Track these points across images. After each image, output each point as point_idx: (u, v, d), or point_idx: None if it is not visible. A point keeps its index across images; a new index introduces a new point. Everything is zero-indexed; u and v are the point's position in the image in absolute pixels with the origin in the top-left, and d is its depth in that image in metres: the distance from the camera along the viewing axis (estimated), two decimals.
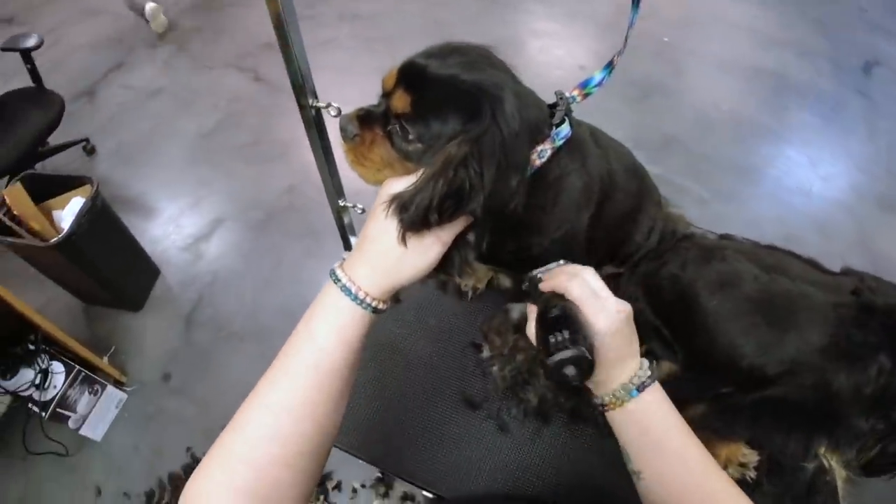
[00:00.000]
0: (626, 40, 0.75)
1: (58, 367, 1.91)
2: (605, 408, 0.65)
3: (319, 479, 0.65)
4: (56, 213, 2.05)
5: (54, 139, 2.65)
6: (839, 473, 0.96)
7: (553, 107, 0.70)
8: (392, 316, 1.12)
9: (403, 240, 0.60)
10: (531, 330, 0.66)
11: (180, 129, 3.04)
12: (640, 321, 0.76)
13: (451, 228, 0.62)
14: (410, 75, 0.65)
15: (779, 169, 3.04)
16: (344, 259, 0.65)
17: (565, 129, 0.69)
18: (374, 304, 0.61)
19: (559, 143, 0.69)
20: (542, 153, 0.67)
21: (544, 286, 0.67)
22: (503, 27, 3.69)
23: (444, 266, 0.65)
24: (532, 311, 0.68)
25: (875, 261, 2.56)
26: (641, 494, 0.67)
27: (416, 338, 1.10)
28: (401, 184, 0.62)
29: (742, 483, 0.94)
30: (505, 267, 0.94)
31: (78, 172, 2.77)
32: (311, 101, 0.91)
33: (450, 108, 0.62)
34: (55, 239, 1.86)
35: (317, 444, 0.59)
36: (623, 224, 0.93)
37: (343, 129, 0.71)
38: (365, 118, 0.69)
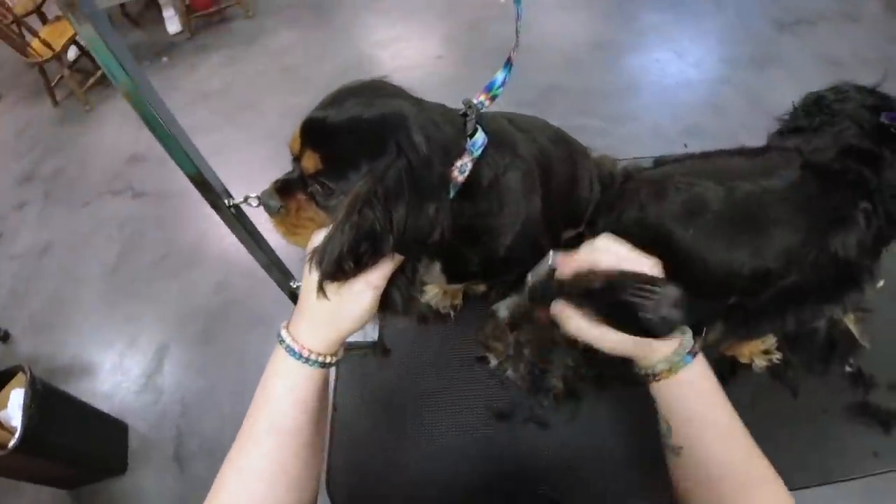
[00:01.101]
0: (517, 33, 0.76)
1: None
2: (656, 377, 0.63)
3: None
4: (2, 414, 1.90)
5: None
6: (848, 318, 1.02)
7: (465, 116, 0.70)
8: (385, 367, 1.10)
9: (322, 291, 0.59)
10: (579, 323, 0.62)
11: (84, 275, 2.87)
12: None
13: (379, 271, 0.61)
14: (313, 132, 0.65)
15: (654, 74, 3.21)
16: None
17: (480, 138, 0.69)
18: (319, 359, 0.61)
19: (477, 153, 0.69)
20: (462, 168, 0.67)
21: (564, 271, 0.65)
22: (349, 50, 3.70)
23: (388, 305, 0.64)
24: (564, 308, 0.64)
25: (770, 115, 2.71)
26: (675, 472, 0.66)
27: (419, 378, 1.08)
28: (321, 236, 0.61)
29: (772, 367, 1.00)
30: (479, 279, 0.95)
31: (2, 364, 2.59)
32: (227, 201, 0.88)
33: (358, 151, 0.62)
34: (12, 442, 1.72)
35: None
36: (570, 190, 0.96)
37: (266, 206, 0.70)
38: (283, 188, 0.69)
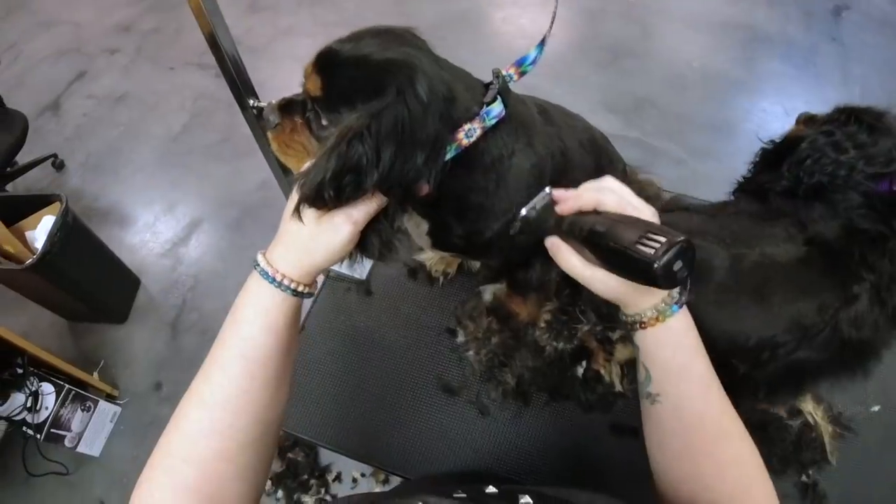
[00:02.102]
0: (552, 21, 0.73)
1: (47, 388, 1.90)
2: (643, 325, 0.60)
3: (269, 471, 0.62)
4: (29, 234, 2.03)
5: (22, 157, 2.62)
6: (825, 429, 0.97)
7: (488, 85, 0.69)
8: (363, 307, 1.13)
9: (298, 214, 0.58)
10: (572, 261, 0.60)
11: (148, 133, 3.00)
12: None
13: (363, 207, 0.59)
14: (325, 60, 0.64)
15: (754, 122, 3.03)
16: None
17: (497, 108, 0.67)
18: (292, 286, 0.60)
19: (490, 122, 0.67)
20: (469, 132, 0.65)
21: (564, 209, 0.62)
22: (467, 2, 3.63)
23: (364, 247, 0.63)
24: (559, 244, 0.62)
25: None
26: (648, 422, 0.64)
27: (389, 327, 1.10)
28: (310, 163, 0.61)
29: None
30: (461, 253, 0.94)
31: (49, 189, 2.75)
32: (252, 101, 0.90)
33: (357, 89, 0.62)
34: (30, 260, 1.84)
35: (258, 435, 0.58)
36: None
37: (266, 119, 0.71)
38: (286, 107, 0.69)
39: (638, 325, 0.61)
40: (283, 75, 3.13)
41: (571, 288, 0.99)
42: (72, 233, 1.98)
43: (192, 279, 2.46)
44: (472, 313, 1.03)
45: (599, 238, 0.56)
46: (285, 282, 0.59)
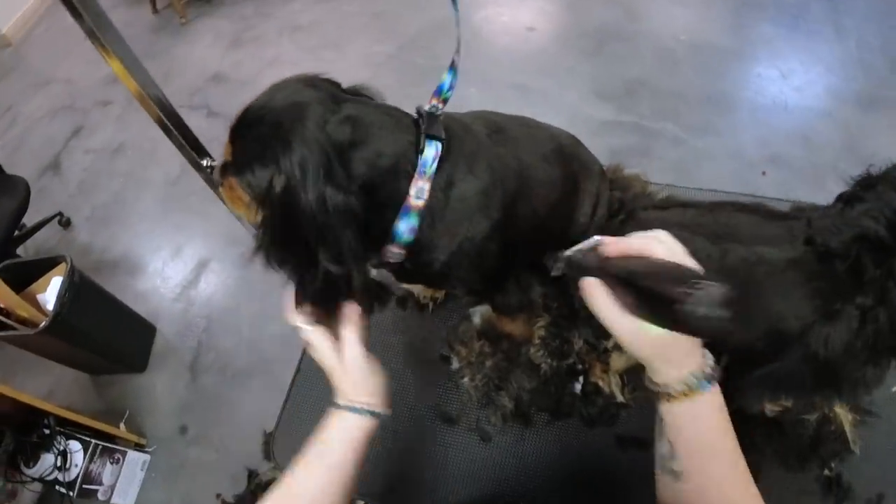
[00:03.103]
0: (458, 41, 0.73)
1: (75, 445, 1.94)
2: (669, 397, 0.58)
3: None
4: (40, 297, 2.07)
5: (29, 218, 2.67)
6: (844, 418, 0.92)
7: (417, 125, 0.69)
8: None
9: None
10: (604, 303, 0.57)
11: (148, 180, 3.04)
12: None
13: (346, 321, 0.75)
14: (235, 123, 0.67)
15: (751, 90, 2.97)
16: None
17: (430, 153, 0.67)
18: (367, 407, 0.71)
19: (431, 170, 0.67)
20: (419, 193, 0.66)
21: (610, 250, 0.59)
22: (444, 5, 3.61)
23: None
24: (594, 284, 0.58)
25: (865, 162, 2.47)
26: (666, 494, 0.62)
27: (383, 360, 1.06)
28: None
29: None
30: (425, 282, 0.94)
31: (57, 247, 2.81)
32: (206, 161, 0.91)
33: (246, 153, 0.64)
34: (43, 323, 1.87)
35: None
36: (557, 214, 0.89)
37: (215, 179, 0.75)
38: (224, 168, 0.71)
39: (666, 397, 0.58)
40: None
41: (561, 301, 0.98)
42: (80, 291, 2.01)
43: (206, 320, 2.49)
44: (463, 337, 1.02)
45: (639, 278, 0.54)
46: (360, 405, 0.71)
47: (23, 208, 2.47)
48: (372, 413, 0.71)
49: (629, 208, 0.94)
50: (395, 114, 0.70)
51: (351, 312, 0.74)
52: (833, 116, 2.79)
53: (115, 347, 2.25)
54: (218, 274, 2.63)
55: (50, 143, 3.35)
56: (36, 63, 3.99)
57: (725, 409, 0.59)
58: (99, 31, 0.75)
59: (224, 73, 3.44)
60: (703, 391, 0.57)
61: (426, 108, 0.70)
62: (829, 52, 3.05)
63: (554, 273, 0.65)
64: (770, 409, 0.91)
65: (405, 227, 0.69)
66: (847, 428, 0.92)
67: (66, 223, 2.88)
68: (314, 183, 0.60)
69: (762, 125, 2.81)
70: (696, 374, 0.57)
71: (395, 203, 0.67)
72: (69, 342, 2.01)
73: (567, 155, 0.90)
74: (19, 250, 2.68)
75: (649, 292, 0.52)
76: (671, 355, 0.57)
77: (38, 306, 2.03)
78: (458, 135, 0.71)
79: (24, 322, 1.96)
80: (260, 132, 0.63)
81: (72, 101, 3.56)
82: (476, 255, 0.75)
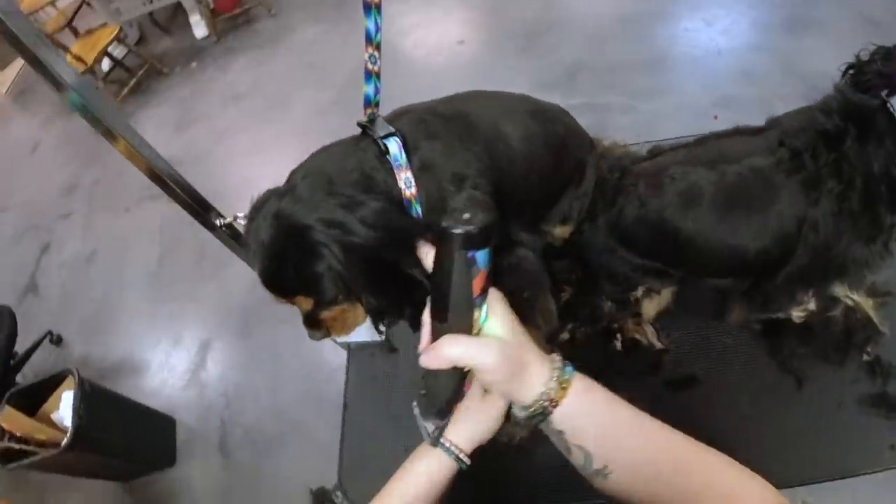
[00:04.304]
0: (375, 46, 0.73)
1: None
2: (553, 403, 0.56)
3: None
4: (55, 416, 2.02)
5: (21, 344, 2.61)
6: (866, 304, 0.96)
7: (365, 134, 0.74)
8: (392, 364, 1.14)
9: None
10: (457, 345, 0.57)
11: (129, 278, 3.01)
12: (629, 268, 0.78)
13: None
14: (277, 288, 0.71)
15: (682, 45, 3.09)
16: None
17: (394, 149, 0.71)
18: (454, 450, 0.71)
19: (404, 160, 0.71)
20: (406, 182, 0.70)
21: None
22: None
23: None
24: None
25: (808, 80, 2.60)
26: (615, 493, 0.59)
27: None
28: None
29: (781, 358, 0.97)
30: None
31: (55, 366, 2.74)
32: (218, 221, 0.92)
33: (306, 269, 0.67)
34: (65, 441, 1.84)
35: None
36: (546, 185, 0.92)
37: (321, 339, 0.79)
38: (312, 320, 0.76)
39: (549, 407, 0.56)
40: (235, 176, 3.19)
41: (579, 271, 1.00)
42: (94, 400, 1.98)
43: (223, 398, 2.45)
44: None
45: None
46: (450, 446, 0.70)
47: (13, 336, 2.43)
48: (458, 459, 0.71)
49: (620, 166, 0.97)
50: (340, 143, 0.77)
51: None
52: (765, 48, 2.92)
53: (139, 449, 2.21)
54: (223, 351, 2.61)
55: (22, 267, 3.29)
56: None
57: (596, 383, 0.59)
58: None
59: (177, 156, 3.42)
60: (573, 375, 0.57)
61: (364, 119, 0.74)
62: None
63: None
64: (797, 315, 0.95)
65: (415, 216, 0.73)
66: (871, 313, 0.96)
67: (57, 341, 2.83)
68: (350, 221, 0.65)
69: (702, 74, 2.92)
70: (556, 366, 0.57)
71: (398, 198, 0.71)
72: (94, 453, 1.97)
73: (550, 135, 0.92)
74: (18, 378, 2.62)
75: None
76: (523, 371, 0.56)
77: (54, 426, 1.98)
78: (412, 124, 0.76)
79: (43, 445, 1.92)
80: (291, 259, 0.68)
81: (33, 220, 3.52)
82: None
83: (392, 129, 0.72)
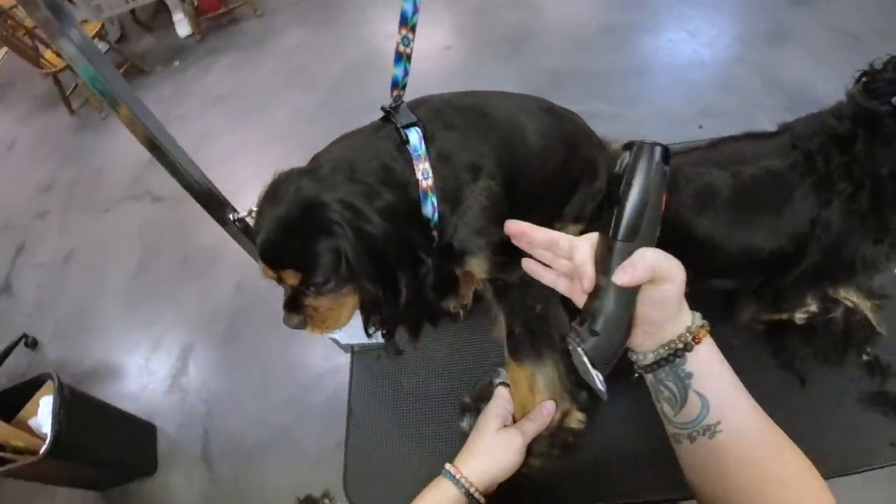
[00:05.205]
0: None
1: None
2: (696, 340, 0.56)
3: None
4: (32, 422, 1.95)
5: None
6: (864, 305, 0.98)
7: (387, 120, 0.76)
8: (398, 368, 1.12)
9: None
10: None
11: (107, 281, 2.92)
12: None
13: (533, 424, 0.81)
14: (272, 257, 0.71)
15: (666, 55, 3.15)
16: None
17: (414, 137, 0.72)
18: (465, 484, 0.72)
19: (423, 151, 0.72)
20: (424, 173, 0.71)
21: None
22: (358, 45, 3.69)
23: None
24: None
25: (788, 93, 2.69)
26: (703, 458, 0.58)
27: (428, 379, 1.09)
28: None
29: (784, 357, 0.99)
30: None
31: (30, 370, 2.66)
32: (231, 215, 0.90)
33: (308, 246, 0.68)
34: (43, 448, 1.77)
35: None
36: (559, 181, 0.94)
37: (295, 327, 0.77)
38: (293, 304, 0.75)
39: (691, 344, 0.56)
40: (216, 180, 3.11)
41: None
42: (74, 406, 1.92)
43: (205, 404, 2.40)
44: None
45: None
46: (461, 479, 0.72)
47: None
48: (468, 494, 0.72)
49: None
50: (362, 131, 0.78)
51: (503, 391, 0.82)
52: (746, 60, 2.99)
53: (119, 455, 2.15)
54: (205, 356, 2.55)
55: None
56: None
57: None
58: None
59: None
60: (706, 325, 0.57)
61: (390, 103, 0.75)
62: (728, 3, 3.28)
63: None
64: (800, 316, 0.98)
65: (429, 209, 0.74)
66: (869, 314, 0.99)
67: (32, 343, 2.74)
68: (367, 209, 0.66)
69: (685, 84, 2.98)
70: (696, 314, 0.58)
71: (414, 191, 0.72)
72: (73, 461, 1.91)
73: (562, 134, 0.94)
74: None
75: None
76: (678, 306, 0.57)
77: (32, 432, 1.92)
78: (431, 114, 0.77)
79: (21, 452, 1.85)
80: (296, 233, 0.68)
81: (7, 220, 3.40)
82: (486, 198, 0.77)
83: (414, 118, 0.73)
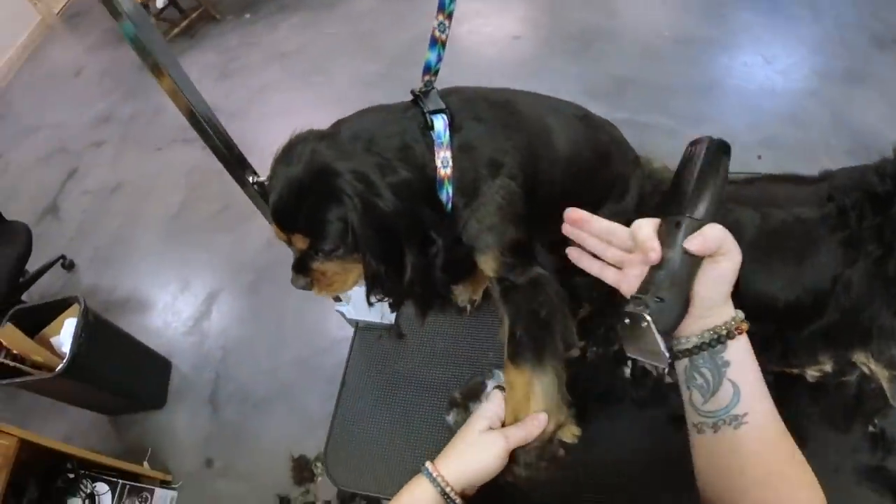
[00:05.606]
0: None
1: (101, 487, 1.91)
2: (739, 330, 0.58)
3: None
4: (54, 340, 2.05)
5: (32, 264, 2.64)
6: (881, 374, 0.92)
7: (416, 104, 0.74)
8: (398, 351, 1.13)
9: None
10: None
11: (149, 217, 3.03)
12: None
13: (519, 432, 0.75)
14: (283, 220, 0.72)
15: (737, 77, 3.02)
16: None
17: (439, 124, 0.71)
18: (441, 482, 0.70)
19: (447, 139, 0.71)
20: (444, 161, 0.70)
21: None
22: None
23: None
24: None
25: (855, 136, 2.55)
26: (723, 449, 0.59)
27: (427, 366, 1.10)
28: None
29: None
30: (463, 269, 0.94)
31: (63, 290, 2.78)
32: (251, 178, 0.91)
33: (317, 212, 0.68)
34: (60, 366, 1.85)
35: None
36: (583, 190, 0.90)
37: (301, 288, 0.78)
38: (301, 266, 0.76)
39: (734, 331, 0.58)
40: (267, 134, 3.11)
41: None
42: (95, 331, 2.00)
43: (222, 350, 2.47)
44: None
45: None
46: (437, 477, 0.70)
47: (26, 254, 2.45)
48: (444, 493, 0.70)
49: (664, 190, 0.94)
50: (389, 108, 0.77)
51: (498, 394, 0.80)
52: (819, 96, 2.84)
53: (132, 385, 2.23)
54: (229, 304, 2.62)
55: (46, 188, 3.34)
56: (22, 110, 4.00)
57: None
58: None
59: (215, 104, 3.29)
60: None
61: (420, 87, 0.74)
62: (810, 34, 3.11)
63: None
64: (811, 374, 0.93)
65: (444, 198, 0.73)
66: (885, 385, 0.94)
67: (69, 266, 2.86)
68: (380, 183, 0.66)
69: (752, 110, 2.85)
70: (739, 310, 0.60)
71: (431, 179, 0.72)
72: (87, 383, 1.99)
73: (594, 124, 0.93)
74: (24, 296, 2.66)
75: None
76: (729, 288, 0.60)
77: (52, 350, 2.01)
78: (461, 104, 0.76)
79: (39, 367, 1.94)
80: (308, 197, 0.69)
81: (63, 144, 3.56)
82: (502, 197, 0.76)
83: (442, 105, 0.73)
